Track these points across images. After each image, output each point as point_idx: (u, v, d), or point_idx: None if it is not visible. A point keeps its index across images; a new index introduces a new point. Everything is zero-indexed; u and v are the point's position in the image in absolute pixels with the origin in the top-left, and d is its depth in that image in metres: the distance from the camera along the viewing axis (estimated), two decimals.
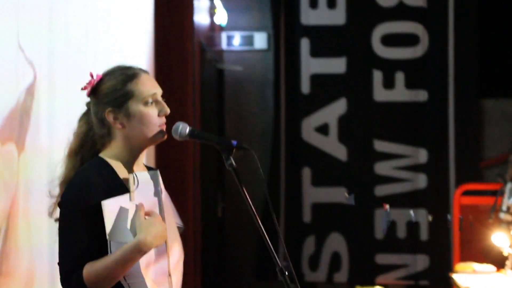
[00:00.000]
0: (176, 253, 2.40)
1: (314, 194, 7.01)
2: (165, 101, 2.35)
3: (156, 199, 2.35)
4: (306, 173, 7.03)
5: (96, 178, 2.23)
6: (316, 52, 7.04)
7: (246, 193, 2.33)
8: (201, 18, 6.08)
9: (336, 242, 6.93)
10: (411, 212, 6.41)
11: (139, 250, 2.15)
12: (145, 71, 2.38)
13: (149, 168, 2.42)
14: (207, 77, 6.21)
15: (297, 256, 6.94)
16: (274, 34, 7.09)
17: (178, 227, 2.48)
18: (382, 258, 6.89)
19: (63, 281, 2.18)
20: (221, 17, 6.79)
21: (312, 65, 7.04)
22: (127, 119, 2.30)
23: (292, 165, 7.04)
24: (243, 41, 7.10)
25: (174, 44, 5.23)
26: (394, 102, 7.01)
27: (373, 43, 6.97)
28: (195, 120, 5.63)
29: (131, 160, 2.33)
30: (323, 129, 7.04)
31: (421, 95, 6.96)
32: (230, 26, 7.08)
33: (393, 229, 6.87)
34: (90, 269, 2.14)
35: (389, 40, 6.97)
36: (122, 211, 2.19)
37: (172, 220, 2.42)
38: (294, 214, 6.99)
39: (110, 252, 2.16)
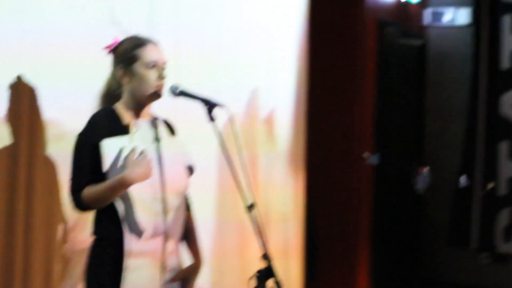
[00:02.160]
0: (180, 214, 2.99)
1: (510, 168, 7.07)
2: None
3: (155, 143, 2.96)
4: (503, 147, 7.10)
5: (103, 121, 2.91)
6: None
7: (227, 150, 2.83)
8: None
9: None
10: None
11: (123, 183, 2.77)
12: (153, 42, 3.03)
13: (155, 118, 3.07)
14: (389, 51, 6.59)
15: (490, 227, 7.08)
16: (475, 11, 7.22)
17: (189, 168, 3.11)
18: None
19: (71, 196, 2.88)
20: None
21: None
22: (132, 77, 2.95)
23: (488, 139, 7.15)
24: (444, 17, 7.36)
25: (335, 19, 5.79)
26: None
27: None
28: (366, 91, 6.08)
29: (136, 109, 2.98)
30: None
31: None
32: (435, 2, 7.38)
33: None
34: (88, 191, 2.82)
35: None
36: (120, 150, 2.85)
37: (176, 163, 3.02)
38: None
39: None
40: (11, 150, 3.31)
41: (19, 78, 3.33)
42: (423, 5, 7.31)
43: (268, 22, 5.12)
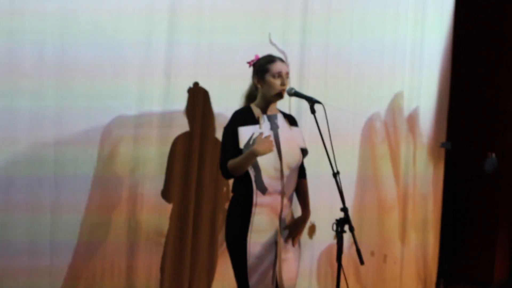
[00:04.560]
0: (292, 180, 4.15)
1: None
2: None
3: (275, 130, 4.14)
4: None
5: (240, 115, 4.14)
6: None
7: (326, 146, 3.98)
8: None
9: None
10: None
11: (253, 154, 3.97)
12: (281, 59, 4.20)
13: (278, 113, 4.23)
14: None
15: None
16: None
17: (303, 150, 4.31)
18: None
19: (220, 168, 4.13)
20: None
21: None
22: (263, 83, 4.15)
23: None
24: None
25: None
26: None
27: None
28: None
29: (265, 106, 4.18)
30: None
31: None
32: None
33: None
34: (231, 162, 4.06)
35: None
36: (251, 134, 4.08)
37: (291, 145, 4.17)
38: None
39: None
40: (187, 136, 4.76)
41: (195, 84, 4.77)
42: None
43: (412, 28, 6.18)
